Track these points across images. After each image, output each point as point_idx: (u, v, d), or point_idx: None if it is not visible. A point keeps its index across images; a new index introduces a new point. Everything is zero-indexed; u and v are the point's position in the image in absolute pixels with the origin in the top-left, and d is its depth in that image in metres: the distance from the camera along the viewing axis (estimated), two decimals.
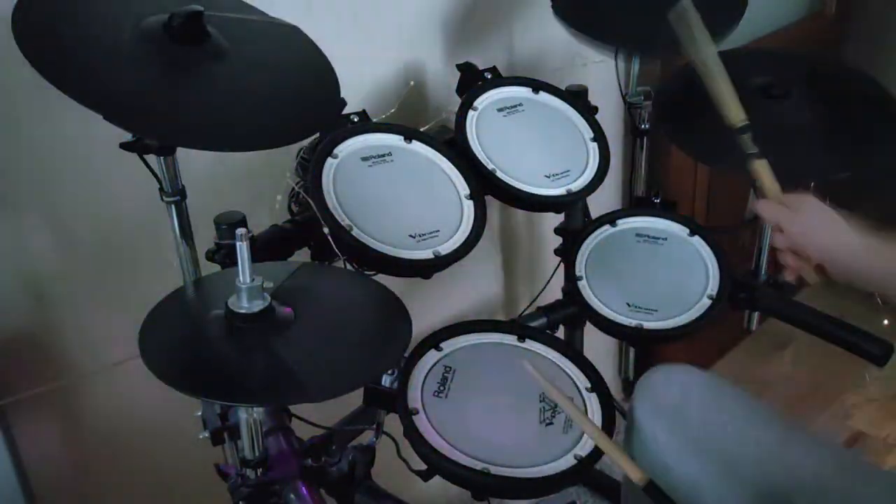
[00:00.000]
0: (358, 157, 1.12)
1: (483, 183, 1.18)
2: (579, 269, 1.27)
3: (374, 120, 1.19)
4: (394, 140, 1.16)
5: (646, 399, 1.05)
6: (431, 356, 1.06)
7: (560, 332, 1.42)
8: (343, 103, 1.11)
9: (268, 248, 1.07)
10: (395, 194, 1.11)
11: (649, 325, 1.20)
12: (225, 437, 0.99)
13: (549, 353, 1.11)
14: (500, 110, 1.27)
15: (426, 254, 1.07)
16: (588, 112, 1.33)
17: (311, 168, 1.07)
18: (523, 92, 1.31)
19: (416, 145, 1.17)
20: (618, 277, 1.26)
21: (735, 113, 1.02)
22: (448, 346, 1.08)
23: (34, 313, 1.15)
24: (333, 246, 1.03)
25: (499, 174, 1.19)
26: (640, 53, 1.47)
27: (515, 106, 1.29)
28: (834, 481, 0.95)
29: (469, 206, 1.14)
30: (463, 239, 1.11)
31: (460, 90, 1.28)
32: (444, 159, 1.17)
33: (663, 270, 1.27)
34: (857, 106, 1.31)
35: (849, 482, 0.95)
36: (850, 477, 0.96)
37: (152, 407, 1.20)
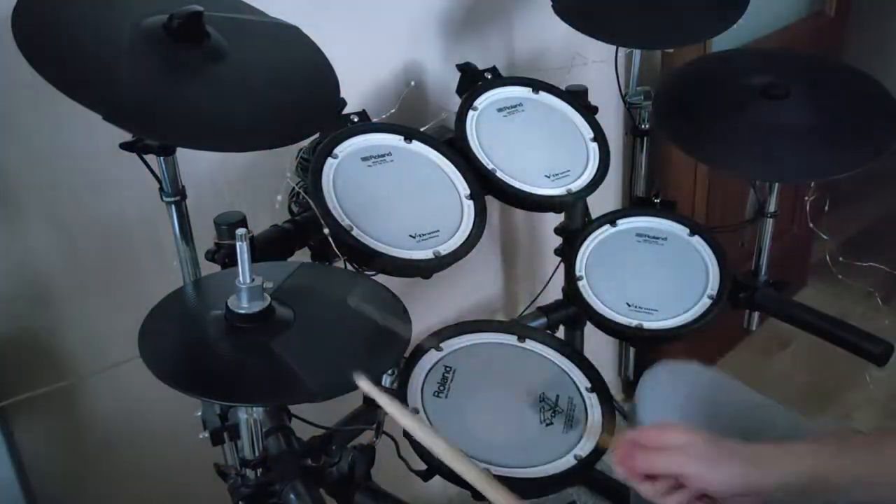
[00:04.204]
0: (358, 157, 1.12)
1: (483, 183, 1.18)
2: (579, 269, 1.27)
3: (374, 120, 1.19)
4: (394, 140, 1.16)
5: (650, 395, 1.05)
6: (431, 356, 1.06)
7: (560, 332, 1.43)
8: (343, 103, 1.11)
9: (268, 248, 1.07)
10: (395, 194, 1.11)
11: (649, 325, 1.20)
12: (225, 437, 0.99)
13: (549, 353, 1.11)
14: (500, 110, 1.27)
15: (426, 254, 1.07)
16: (588, 112, 1.33)
17: (311, 168, 1.07)
18: (523, 92, 1.31)
19: (416, 145, 1.17)
20: (618, 277, 1.26)
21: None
22: (448, 346, 1.08)
23: (34, 313, 1.15)
24: (333, 246, 1.03)
25: (499, 174, 1.19)
26: (640, 48, 1.47)
27: (515, 106, 1.29)
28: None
29: (469, 206, 1.14)
30: (463, 239, 1.11)
31: (460, 90, 1.28)
32: (444, 159, 1.17)
33: (663, 270, 1.27)
34: (857, 106, 1.31)
35: None
36: None
37: (152, 407, 1.20)
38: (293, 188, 1.12)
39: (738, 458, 0.82)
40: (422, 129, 1.22)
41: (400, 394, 1.00)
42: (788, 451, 0.83)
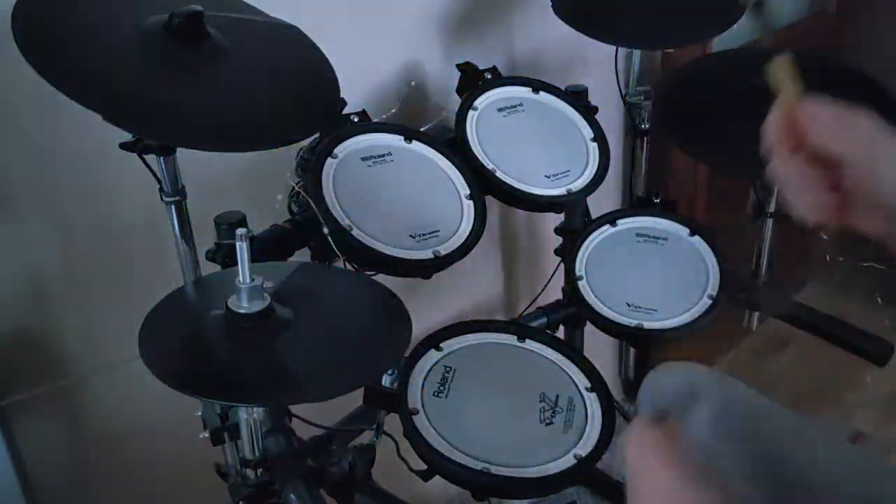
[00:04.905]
0: (358, 157, 1.12)
1: (483, 183, 1.18)
2: (579, 269, 1.27)
3: (374, 120, 1.19)
4: (394, 140, 1.16)
5: (653, 396, 1.05)
6: (431, 356, 1.06)
7: (560, 332, 1.42)
8: (343, 103, 1.11)
9: (268, 248, 1.07)
10: (395, 194, 1.11)
11: (649, 325, 1.20)
12: (225, 437, 0.99)
13: (549, 353, 1.11)
14: (500, 110, 1.27)
15: (426, 254, 1.07)
16: (588, 112, 1.33)
17: (311, 168, 1.07)
18: (523, 92, 1.31)
19: (416, 145, 1.17)
20: (618, 277, 1.26)
21: None
22: (448, 346, 1.08)
23: (34, 313, 1.15)
24: (333, 246, 1.03)
25: (499, 174, 1.19)
26: (640, 48, 1.47)
27: (515, 106, 1.29)
28: (846, 477, 0.94)
29: (469, 206, 1.14)
30: (463, 239, 1.11)
31: (460, 90, 1.28)
32: (444, 159, 1.17)
33: (663, 270, 1.27)
34: (857, 106, 1.31)
35: (862, 478, 0.95)
36: (863, 473, 0.96)
37: (152, 407, 1.20)
38: (293, 188, 1.12)
39: None
40: (422, 129, 1.22)
41: (400, 394, 1.00)
42: None
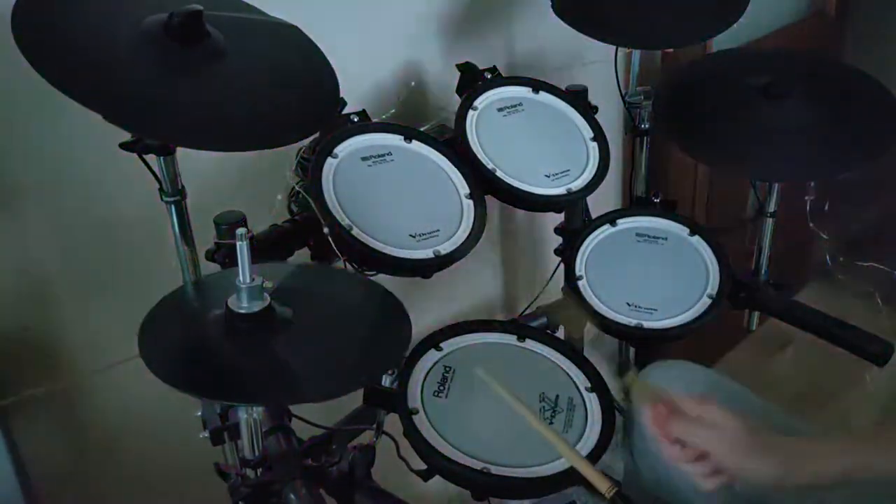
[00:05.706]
0: (358, 157, 1.12)
1: (483, 183, 1.18)
2: (579, 269, 1.27)
3: (374, 120, 1.19)
4: (394, 140, 1.16)
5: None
6: (431, 356, 1.06)
7: (560, 332, 1.42)
8: (343, 103, 1.11)
9: (268, 248, 1.07)
10: (395, 194, 1.11)
11: (649, 324, 1.20)
12: (225, 437, 0.99)
13: (549, 353, 1.11)
14: (500, 110, 1.27)
15: (426, 254, 1.07)
16: (588, 112, 1.33)
17: (311, 168, 1.07)
18: (523, 92, 1.31)
19: (416, 145, 1.17)
20: (618, 277, 1.26)
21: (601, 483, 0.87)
22: (448, 346, 1.08)
23: (34, 313, 1.15)
24: (333, 246, 1.03)
25: (499, 174, 1.19)
26: (640, 48, 1.47)
27: (515, 106, 1.29)
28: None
29: (469, 206, 1.14)
30: (463, 239, 1.11)
31: (460, 90, 1.28)
32: (444, 159, 1.17)
33: (663, 270, 1.27)
34: (857, 106, 1.31)
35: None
36: None
37: (152, 407, 1.20)
38: (293, 188, 1.12)
39: (776, 453, 0.81)
40: (422, 129, 1.22)
41: (400, 394, 1.00)
42: (830, 448, 0.82)
